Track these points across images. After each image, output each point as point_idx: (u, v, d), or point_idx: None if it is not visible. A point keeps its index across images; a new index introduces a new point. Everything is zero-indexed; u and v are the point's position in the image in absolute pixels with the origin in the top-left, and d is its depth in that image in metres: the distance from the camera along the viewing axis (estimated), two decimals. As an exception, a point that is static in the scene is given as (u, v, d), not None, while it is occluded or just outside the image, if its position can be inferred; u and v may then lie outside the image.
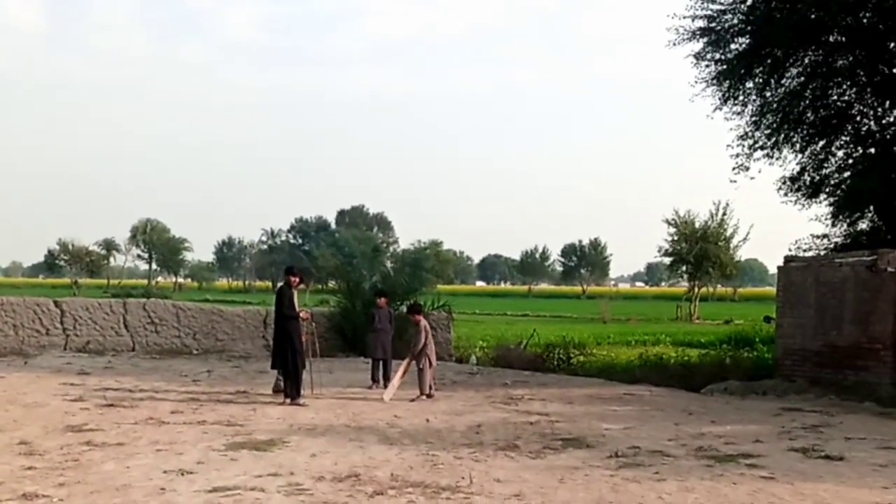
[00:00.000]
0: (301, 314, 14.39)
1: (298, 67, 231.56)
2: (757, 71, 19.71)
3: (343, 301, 23.00)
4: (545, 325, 35.37)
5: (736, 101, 20.00)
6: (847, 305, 15.95)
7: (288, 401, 13.67)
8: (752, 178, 20.48)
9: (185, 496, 7.70)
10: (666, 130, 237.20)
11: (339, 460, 9.30)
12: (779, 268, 17.80)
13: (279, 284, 15.16)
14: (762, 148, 20.19)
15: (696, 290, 62.69)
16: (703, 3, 19.66)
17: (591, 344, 25.54)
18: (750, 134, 20.10)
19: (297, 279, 14.69)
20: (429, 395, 14.62)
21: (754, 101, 19.99)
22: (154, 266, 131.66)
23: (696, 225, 60.80)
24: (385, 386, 15.98)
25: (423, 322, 15.34)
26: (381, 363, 16.45)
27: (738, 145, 20.25)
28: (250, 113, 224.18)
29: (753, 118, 20.03)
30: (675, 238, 61.18)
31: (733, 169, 20.39)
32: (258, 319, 22.42)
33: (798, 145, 20.56)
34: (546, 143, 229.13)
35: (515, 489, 8.16)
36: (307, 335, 14.65)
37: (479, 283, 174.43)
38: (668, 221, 60.93)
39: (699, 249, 59.65)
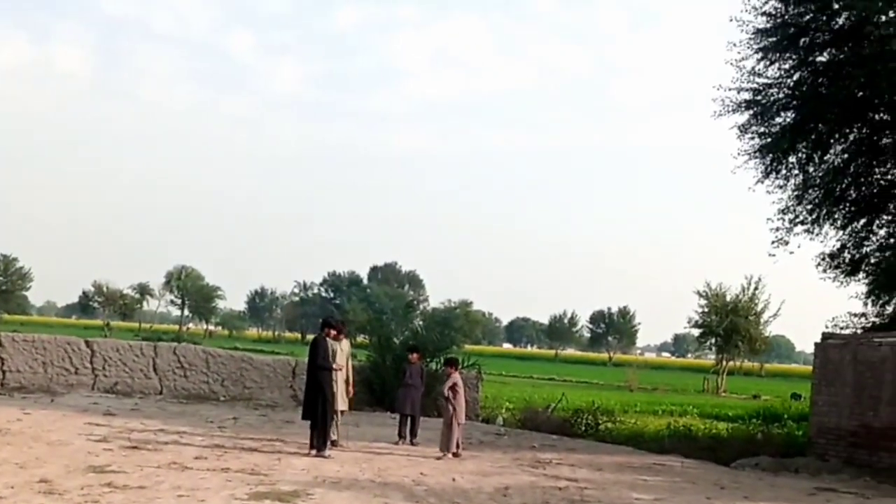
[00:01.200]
0: (334, 366, 14.31)
1: (338, 122, 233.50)
2: (801, 146, 19.62)
3: (373, 355, 22.90)
4: (571, 391, 35.01)
5: (778, 175, 19.87)
6: (885, 385, 15.59)
7: (314, 452, 13.52)
8: (791, 253, 20.24)
9: (205, 544, 7.56)
10: (699, 202, 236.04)
11: (363, 516, 9.14)
12: (816, 345, 17.47)
13: (314, 335, 15.09)
14: (803, 223, 20.00)
15: (724, 363, 62.14)
16: (749, 77, 19.62)
17: (619, 411, 25.22)
18: (791, 208, 19.94)
19: (335, 331, 14.66)
20: (455, 454, 14.39)
21: (797, 175, 19.87)
22: (186, 312, 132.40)
23: (728, 298, 60.49)
24: (412, 443, 15.83)
25: (457, 377, 15.16)
26: (409, 419, 16.26)
27: (778, 219, 20.09)
28: (289, 166, 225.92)
29: (795, 193, 19.87)
30: (706, 310, 60.93)
31: (773, 243, 20.19)
32: (287, 369, 22.35)
33: (839, 222, 20.37)
34: (579, 208, 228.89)
35: (542, 556, 7.95)
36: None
37: (506, 346, 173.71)
38: (699, 293, 60.87)
39: (729, 323, 59.36)
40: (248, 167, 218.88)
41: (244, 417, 18.16)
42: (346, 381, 14.90)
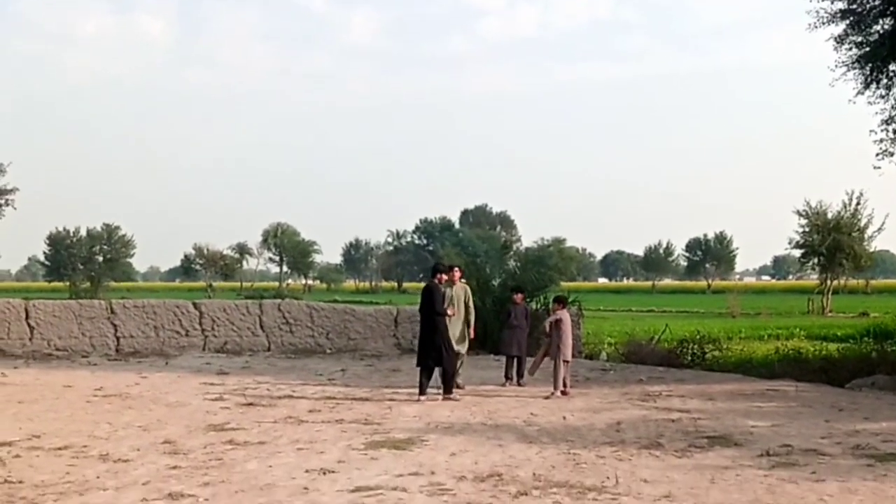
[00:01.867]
0: (448, 311, 14.45)
1: (416, 70, 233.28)
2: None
3: (472, 298, 22.87)
4: (672, 321, 34.54)
5: (879, 85, 19.02)
6: None
7: (423, 398, 13.68)
8: (898, 164, 19.43)
9: (328, 496, 7.68)
10: (792, 121, 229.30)
11: (480, 459, 9.17)
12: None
13: (425, 283, 15.24)
14: (909, 132, 19.17)
15: (829, 282, 60.59)
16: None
17: (724, 338, 24.81)
18: (895, 118, 19.12)
19: (445, 276, 14.97)
20: (564, 393, 14.37)
21: (899, 83, 18.99)
22: (284, 269, 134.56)
23: (829, 215, 58.88)
24: (519, 384, 15.88)
25: (565, 314, 15.05)
26: (515, 360, 16.29)
27: (882, 130, 19.28)
28: (373, 117, 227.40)
29: (900, 101, 19.02)
30: (807, 229, 59.40)
31: (877, 155, 19.43)
32: (389, 318, 22.56)
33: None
34: (670, 137, 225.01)
35: (664, 490, 7.87)
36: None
37: (602, 280, 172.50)
38: (799, 213, 59.21)
39: (832, 241, 57.78)
40: (330, 121, 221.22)
41: (351, 368, 18.43)
42: (468, 325, 15.10)
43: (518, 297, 17.19)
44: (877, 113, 19.32)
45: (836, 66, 19.35)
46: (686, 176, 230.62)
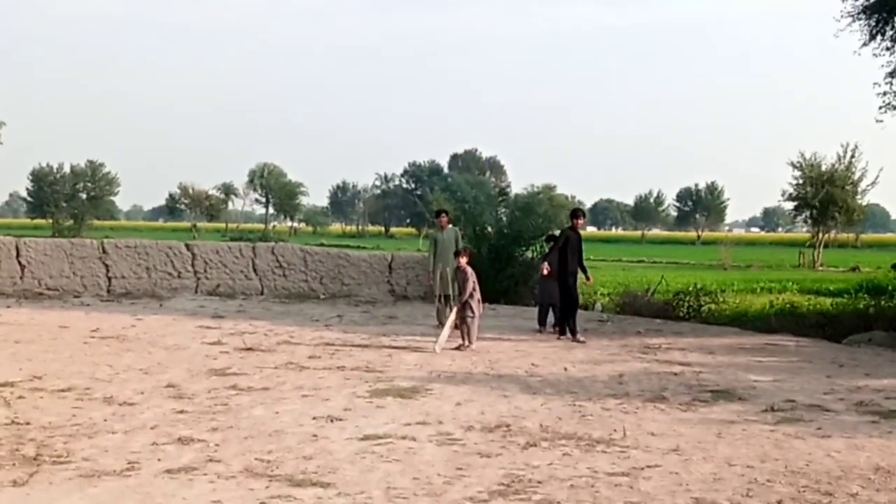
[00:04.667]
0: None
1: (407, 8, 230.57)
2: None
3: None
4: (664, 273, 34.56)
5: (885, 37, 18.88)
6: None
7: (568, 336, 14.97)
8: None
9: (338, 443, 7.64)
10: (787, 72, 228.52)
11: (486, 409, 9.15)
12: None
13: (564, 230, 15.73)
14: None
15: (821, 236, 60.66)
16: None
17: (717, 291, 24.80)
18: (899, 71, 18.98)
19: (439, 220, 16.33)
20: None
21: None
22: (270, 210, 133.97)
23: (823, 168, 58.75)
24: (555, 331, 15.99)
25: (465, 265, 14.26)
26: (549, 308, 16.55)
27: (886, 83, 19.17)
28: (362, 57, 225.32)
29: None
30: (800, 182, 59.25)
31: (880, 108, 19.37)
32: (384, 264, 22.44)
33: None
34: (661, 83, 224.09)
35: (672, 443, 7.86)
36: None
37: (591, 228, 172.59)
38: (793, 164, 59.08)
39: (825, 194, 57.65)
40: (321, 60, 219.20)
41: (347, 315, 18.36)
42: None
43: (552, 245, 17.27)
44: (882, 66, 19.20)
45: (841, 16, 19.20)
46: (678, 125, 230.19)
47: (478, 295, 14.11)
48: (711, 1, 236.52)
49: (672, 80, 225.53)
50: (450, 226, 17.28)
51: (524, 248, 22.82)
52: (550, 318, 16.60)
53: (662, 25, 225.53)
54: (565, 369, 12.02)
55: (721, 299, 21.63)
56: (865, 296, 22.97)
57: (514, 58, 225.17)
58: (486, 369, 11.93)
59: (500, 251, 22.47)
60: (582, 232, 15.75)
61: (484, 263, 21.50)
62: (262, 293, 21.51)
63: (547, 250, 17.80)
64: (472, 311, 13.89)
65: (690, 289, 21.60)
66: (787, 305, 20.79)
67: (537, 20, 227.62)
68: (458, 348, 13.61)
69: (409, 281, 22.32)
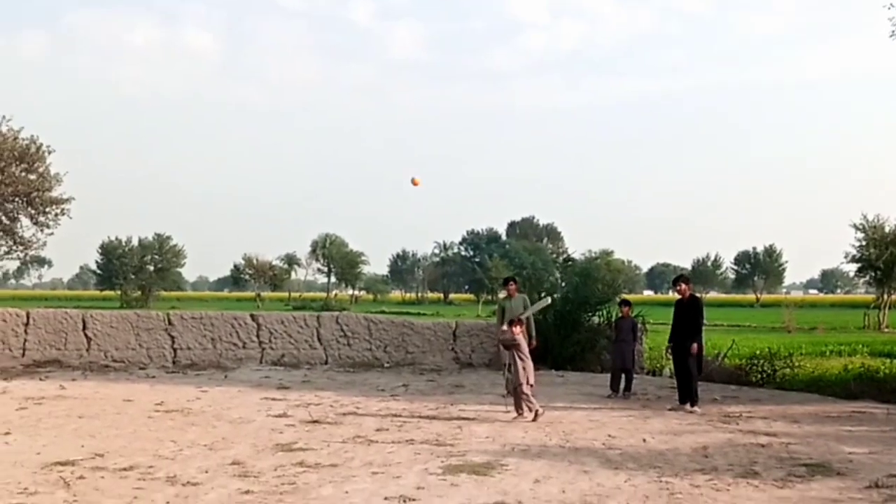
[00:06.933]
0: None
1: (460, 83, 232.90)
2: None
3: (536, 314, 22.34)
4: (726, 336, 33.61)
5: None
6: None
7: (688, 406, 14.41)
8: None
9: (413, 526, 7.22)
10: (839, 134, 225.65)
11: (566, 487, 8.65)
12: None
13: (684, 296, 15.05)
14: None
15: (886, 297, 59.36)
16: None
17: (784, 354, 23.93)
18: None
19: (508, 288, 16.73)
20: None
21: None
22: (332, 279, 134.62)
23: (886, 229, 57.83)
24: (625, 396, 15.99)
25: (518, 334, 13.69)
26: (622, 374, 16.43)
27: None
28: (418, 129, 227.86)
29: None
30: (864, 243, 58.42)
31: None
32: (448, 332, 22.11)
33: None
34: (716, 148, 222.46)
35: (771, 524, 7.32)
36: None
37: (647, 293, 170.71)
38: (855, 226, 58.40)
39: (889, 255, 56.75)
40: (377, 133, 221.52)
41: (413, 384, 17.97)
42: (530, 336, 15.43)
43: (626, 309, 17.27)
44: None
45: None
46: (735, 189, 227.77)
47: (523, 364, 13.43)
48: (765, 67, 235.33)
49: (727, 145, 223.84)
50: (518, 294, 17.03)
51: (590, 314, 22.33)
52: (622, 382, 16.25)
53: (723, 92, 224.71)
54: (644, 441, 11.48)
55: (795, 363, 20.84)
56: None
57: (569, 127, 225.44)
58: (561, 441, 11.43)
59: (566, 317, 21.98)
60: (680, 297, 15.07)
61: (550, 330, 21.10)
62: (326, 362, 21.26)
63: (620, 314, 17.53)
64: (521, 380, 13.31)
65: (763, 353, 20.85)
66: (863, 370, 19.93)
67: (586, 90, 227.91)
68: (534, 419, 13.10)
69: (474, 348, 21.95)
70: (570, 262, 31.39)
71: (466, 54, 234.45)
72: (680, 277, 15.37)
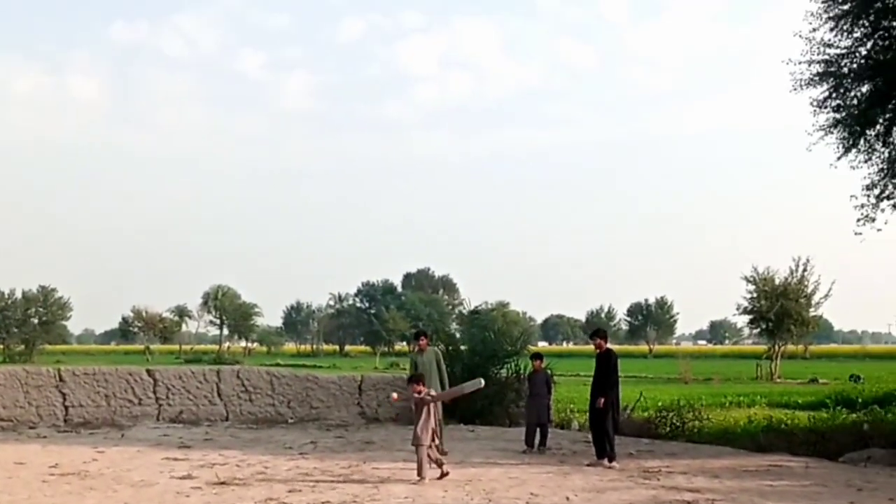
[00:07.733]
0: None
1: (354, 134, 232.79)
2: (880, 118, 18.59)
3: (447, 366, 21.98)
4: (625, 387, 33.67)
5: (860, 150, 18.84)
6: None
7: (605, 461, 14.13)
8: (879, 231, 19.15)
9: None
10: (724, 187, 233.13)
11: (498, 551, 8.28)
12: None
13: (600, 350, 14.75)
14: (889, 198, 18.93)
15: (777, 348, 60.87)
16: (819, 48, 18.66)
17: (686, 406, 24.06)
18: (876, 184, 18.86)
19: (419, 343, 15.76)
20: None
21: (881, 149, 18.80)
22: (225, 331, 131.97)
23: (776, 282, 59.32)
24: (539, 451, 15.76)
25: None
26: (537, 429, 16.17)
27: (864, 195, 19.00)
28: (312, 179, 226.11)
29: (881, 167, 18.79)
30: (755, 295, 59.74)
31: (858, 220, 19.12)
32: (353, 386, 21.55)
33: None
34: (610, 200, 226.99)
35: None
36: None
37: (542, 344, 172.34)
38: (746, 278, 59.68)
39: (780, 307, 58.13)
40: (267, 183, 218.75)
41: (321, 441, 17.36)
42: (442, 388, 15.31)
43: (537, 363, 17.09)
44: (864, 178, 19.09)
45: (814, 129, 19.18)
46: (626, 241, 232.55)
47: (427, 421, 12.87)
48: (663, 121, 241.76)
49: (616, 197, 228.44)
50: (429, 347, 16.69)
51: (499, 367, 22.10)
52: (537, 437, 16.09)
53: (611, 145, 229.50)
54: (568, 499, 11.19)
55: (706, 416, 20.94)
56: (844, 409, 22.39)
57: (456, 177, 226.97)
58: (483, 500, 11.07)
59: (475, 370, 21.64)
60: (596, 350, 14.85)
61: (458, 383, 20.71)
62: (227, 419, 20.46)
63: (531, 368, 17.37)
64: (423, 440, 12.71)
65: (672, 404, 20.90)
66: (766, 421, 20.12)
67: (477, 143, 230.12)
68: (441, 477, 12.62)
69: (381, 403, 21.42)
70: (476, 314, 31.06)
71: (359, 104, 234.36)
72: (596, 332, 15.24)
